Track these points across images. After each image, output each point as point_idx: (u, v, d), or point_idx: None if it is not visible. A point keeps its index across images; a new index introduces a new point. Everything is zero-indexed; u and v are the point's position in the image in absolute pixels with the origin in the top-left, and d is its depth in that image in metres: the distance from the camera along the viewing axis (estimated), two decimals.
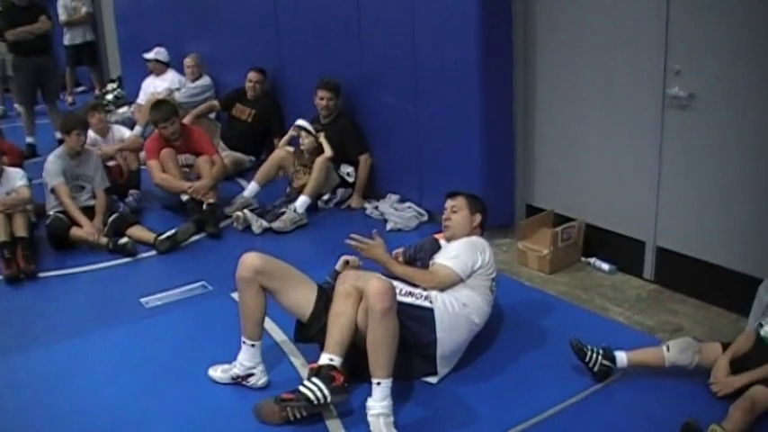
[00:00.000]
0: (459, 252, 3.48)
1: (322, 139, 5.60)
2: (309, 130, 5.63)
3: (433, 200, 5.15)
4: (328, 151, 5.56)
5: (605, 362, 3.26)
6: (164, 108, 5.66)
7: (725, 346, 3.20)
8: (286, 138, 5.95)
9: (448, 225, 3.68)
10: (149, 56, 7.79)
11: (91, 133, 5.73)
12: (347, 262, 3.59)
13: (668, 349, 3.22)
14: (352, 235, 3.63)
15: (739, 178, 3.76)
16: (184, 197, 5.48)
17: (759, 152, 3.65)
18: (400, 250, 4.07)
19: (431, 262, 3.60)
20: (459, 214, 3.65)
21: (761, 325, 3.15)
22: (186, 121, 6.37)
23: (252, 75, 6.65)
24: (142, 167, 6.08)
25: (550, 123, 4.72)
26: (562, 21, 4.48)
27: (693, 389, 3.18)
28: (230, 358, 3.39)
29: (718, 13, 3.67)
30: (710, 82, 3.78)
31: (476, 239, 3.59)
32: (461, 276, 3.42)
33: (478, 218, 3.66)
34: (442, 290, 3.39)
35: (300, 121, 5.70)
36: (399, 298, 3.15)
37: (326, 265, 3.67)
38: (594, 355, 3.28)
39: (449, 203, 3.70)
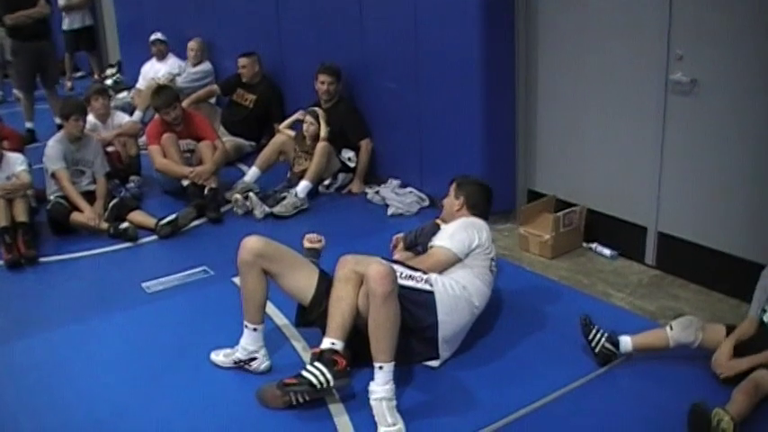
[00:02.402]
0: (455, 232, 3.51)
1: (322, 120, 5.56)
2: (317, 116, 5.59)
3: (434, 185, 5.14)
4: (324, 131, 5.54)
5: (608, 345, 3.27)
6: (165, 94, 5.64)
7: (729, 329, 3.20)
8: (290, 120, 5.91)
9: (442, 210, 3.83)
10: (155, 37, 7.73)
11: (91, 118, 5.71)
12: (309, 240, 3.69)
13: (671, 328, 3.22)
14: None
15: (741, 164, 3.75)
16: (185, 182, 5.47)
17: (761, 138, 3.64)
18: (401, 235, 4.10)
19: (429, 245, 3.62)
20: (446, 199, 3.76)
21: (764, 311, 3.15)
22: (184, 105, 6.32)
23: (241, 60, 6.59)
24: (142, 153, 6.07)
25: (552, 108, 4.70)
26: (565, 5, 4.45)
27: (695, 375, 3.18)
28: (232, 343, 3.39)
29: None
30: (713, 67, 3.76)
31: (471, 220, 3.60)
32: (459, 256, 3.43)
33: (461, 200, 3.68)
34: (441, 272, 3.41)
35: (318, 110, 5.66)
36: (400, 281, 3.14)
37: (327, 250, 3.67)
38: (599, 336, 3.29)
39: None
